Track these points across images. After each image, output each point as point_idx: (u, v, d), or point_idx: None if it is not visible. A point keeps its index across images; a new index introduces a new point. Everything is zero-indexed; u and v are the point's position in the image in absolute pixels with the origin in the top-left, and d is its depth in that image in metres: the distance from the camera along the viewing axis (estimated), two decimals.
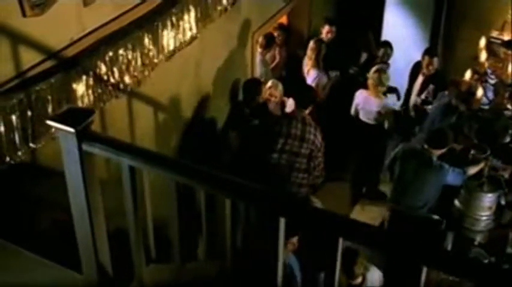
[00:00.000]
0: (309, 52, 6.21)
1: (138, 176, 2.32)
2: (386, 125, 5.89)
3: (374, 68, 5.89)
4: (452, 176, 4.84)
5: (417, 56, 6.41)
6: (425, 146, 4.92)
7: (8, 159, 3.10)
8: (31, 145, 3.23)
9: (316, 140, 4.79)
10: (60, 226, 3.65)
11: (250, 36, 5.60)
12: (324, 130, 5.03)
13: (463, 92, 5.68)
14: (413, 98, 6.27)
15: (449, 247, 4.99)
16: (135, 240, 2.41)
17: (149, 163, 2.17)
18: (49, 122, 2.22)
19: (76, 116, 2.22)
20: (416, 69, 6.35)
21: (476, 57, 5.85)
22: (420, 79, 6.27)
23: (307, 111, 4.92)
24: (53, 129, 3.32)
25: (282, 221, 2.00)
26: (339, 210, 5.68)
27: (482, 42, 5.71)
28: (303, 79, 6.35)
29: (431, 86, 6.21)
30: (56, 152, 3.49)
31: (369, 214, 6.01)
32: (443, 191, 5.01)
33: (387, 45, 6.51)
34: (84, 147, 2.22)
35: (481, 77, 5.50)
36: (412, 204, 4.95)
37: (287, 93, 5.61)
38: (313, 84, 6.10)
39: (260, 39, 6.04)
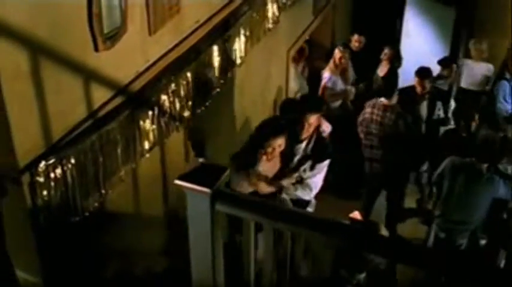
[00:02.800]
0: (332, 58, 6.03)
1: None
2: None
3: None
4: (503, 189, 4.69)
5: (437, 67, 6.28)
6: (474, 159, 4.75)
7: (81, 210, 2.81)
8: (102, 191, 2.96)
9: None
10: (128, 276, 3.39)
11: (285, 53, 5.40)
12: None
13: None
14: None
15: (502, 265, 4.87)
16: None
17: (298, 226, 1.92)
18: (179, 182, 1.95)
19: (208, 174, 1.97)
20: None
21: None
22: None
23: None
24: (122, 172, 3.11)
25: None
26: None
27: None
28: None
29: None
30: (120, 195, 3.23)
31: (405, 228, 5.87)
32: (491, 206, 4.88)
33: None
34: (218, 207, 1.97)
35: None
36: (465, 219, 4.77)
37: None
38: (321, 84, 5.94)
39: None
